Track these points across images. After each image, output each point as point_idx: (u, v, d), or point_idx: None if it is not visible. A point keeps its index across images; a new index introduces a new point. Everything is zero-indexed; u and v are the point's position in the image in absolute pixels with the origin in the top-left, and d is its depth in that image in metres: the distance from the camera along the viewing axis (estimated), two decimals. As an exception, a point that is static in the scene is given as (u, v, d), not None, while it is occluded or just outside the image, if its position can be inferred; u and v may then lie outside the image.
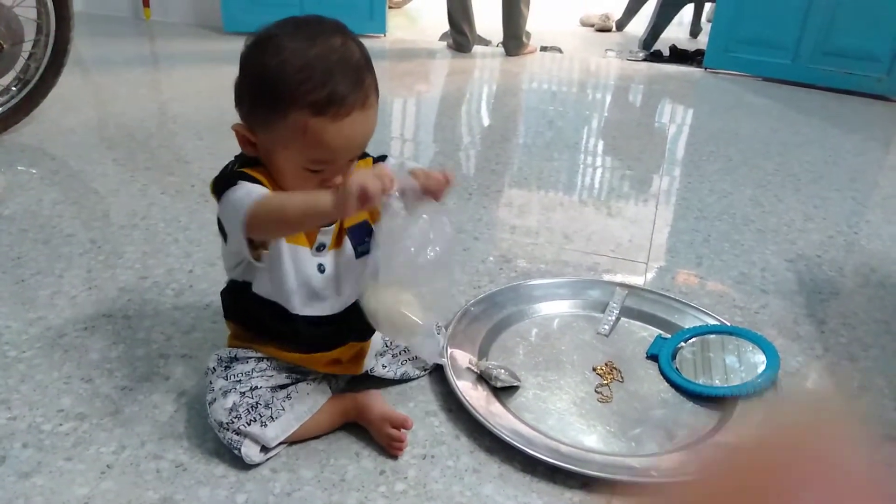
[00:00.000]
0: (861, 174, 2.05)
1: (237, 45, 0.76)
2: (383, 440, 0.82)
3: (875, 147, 2.35)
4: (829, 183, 1.92)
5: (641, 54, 3.80)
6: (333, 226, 0.81)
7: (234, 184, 0.73)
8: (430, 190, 0.75)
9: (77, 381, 0.93)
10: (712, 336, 1.07)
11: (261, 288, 0.80)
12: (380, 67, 0.76)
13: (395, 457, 0.82)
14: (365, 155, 0.86)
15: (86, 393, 0.91)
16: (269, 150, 0.75)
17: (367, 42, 0.75)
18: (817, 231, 1.58)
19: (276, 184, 0.76)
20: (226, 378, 0.81)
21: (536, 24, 3.81)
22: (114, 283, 1.18)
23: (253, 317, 0.83)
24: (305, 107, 0.69)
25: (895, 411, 0.97)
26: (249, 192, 0.72)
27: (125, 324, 1.06)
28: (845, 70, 3.05)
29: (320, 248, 0.82)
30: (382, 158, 0.88)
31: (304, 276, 0.80)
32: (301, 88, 0.69)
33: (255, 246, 0.75)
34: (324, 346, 0.84)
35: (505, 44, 3.53)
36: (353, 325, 0.83)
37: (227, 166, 0.79)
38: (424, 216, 0.73)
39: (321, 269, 0.82)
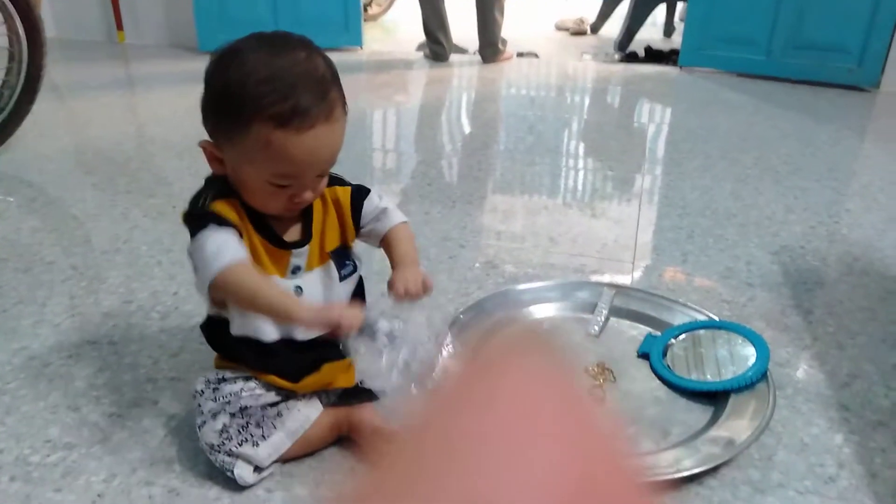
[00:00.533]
0: (838, 164, 2.07)
1: (212, 64, 0.76)
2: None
3: (850, 136, 2.39)
4: (808, 174, 1.94)
5: (617, 56, 3.84)
6: (307, 247, 0.81)
7: (205, 226, 0.72)
8: (409, 295, 0.77)
9: (64, 409, 0.91)
10: (702, 331, 1.07)
11: (237, 329, 0.79)
12: (357, 80, 0.76)
13: None
14: (343, 182, 0.85)
15: (73, 422, 0.89)
16: (235, 167, 0.74)
17: (343, 55, 0.75)
18: (799, 222, 1.60)
19: (246, 213, 0.76)
20: (214, 400, 0.80)
21: (512, 30, 3.83)
22: (97, 308, 1.16)
23: (236, 352, 0.82)
24: (268, 119, 0.69)
25: (885, 398, 0.98)
26: (218, 253, 0.70)
27: (111, 349, 1.05)
28: (817, 62, 3.10)
29: (295, 270, 0.81)
30: (365, 192, 0.86)
31: None
32: (264, 101, 0.69)
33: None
34: (310, 369, 0.82)
35: (481, 51, 3.55)
36: (338, 342, 0.82)
37: (197, 195, 0.78)
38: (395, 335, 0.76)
39: (298, 291, 0.81)
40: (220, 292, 0.72)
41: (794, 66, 3.15)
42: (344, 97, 0.75)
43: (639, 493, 0.20)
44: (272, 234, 0.78)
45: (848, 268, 1.38)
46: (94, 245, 1.41)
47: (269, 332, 0.79)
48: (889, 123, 2.63)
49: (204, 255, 0.71)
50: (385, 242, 0.86)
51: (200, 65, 0.75)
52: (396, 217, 0.87)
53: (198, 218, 0.74)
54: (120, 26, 3.77)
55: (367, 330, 0.85)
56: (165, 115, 2.44)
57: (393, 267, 0.84)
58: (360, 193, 0.85)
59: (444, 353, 0.85)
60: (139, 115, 2.51)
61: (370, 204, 0.85)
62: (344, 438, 0.85)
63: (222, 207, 0.75)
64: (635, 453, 0.22)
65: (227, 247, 0.71)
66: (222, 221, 0.73)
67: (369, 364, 0.74)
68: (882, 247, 1.47)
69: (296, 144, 0.70)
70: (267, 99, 0.68)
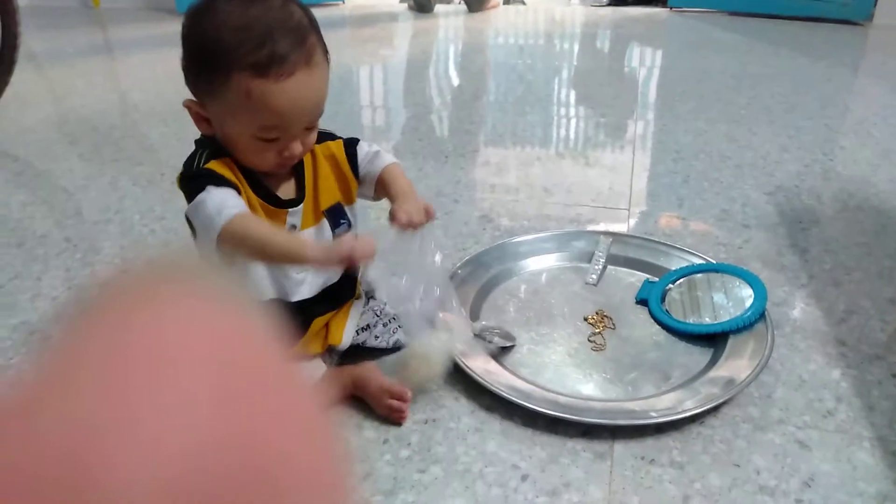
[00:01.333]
0: (832, 101, 2.06)
1: (192, 24, 0.74)
2: (384, 411, 0.83)
3: (843, 73, 2.36)
4: (802, 112, 1.92)
5: (605, 0, 3.76)
6: (302, 206, 0.80)
7: (202, 188, 0.71)
8: (412, 224, 0.78)
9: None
10: (699, 275, 1.07)
11: None
12: (341, 35, 0.74)
13: (399, 424, 0.82)
14: (333, 137, 0.84)
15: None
16: (221, 123, 0.73)
17: (325, 11, 0.73)
18: (793, 161, 1.59)
19: (241, 172, 0.75)
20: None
21: (497, -23, 3.73)
22: (93, 280, 1.16)
23: None
24: (246, 68, 0.67)
25: (881, 332, 0.99)
26: (221, 208, 0.69)
27: (110, 320, 1.05)
28: (809, -3, 3.04)
29: (290, 229, 0.80)
30: (355, 141, 0.86)
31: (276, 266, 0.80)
32: (240, 50, 0.67)
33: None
34: (301, 330, 0.84)
35: (467, 0, 3.46)
36: (332, 297, 0.83)
37: (191, 157, 0.76)
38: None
39: None
40: (229, 245, 0.70)
41: (785, 2, 3.10)
42: (324, 43, 0.73)
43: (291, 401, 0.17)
44: (268, 192, 0.78)
45: (843, 205, 1.38)
46: (85, 216, 1.39)
47: (264, 292, 0.79)
48: (882, 57, 2.60)
49: (207, 211, 0.70)
50: (380, 182, 0.85)
51: (179, 27, 0.73)
52: (388, 158, 0.87)
53: (194, 179, 0.73)
54: (94, -10, 3.66)
55: (365, 286, 0.86)
56: (147, 80, 2.39)
57: (392, 201, 0.83)
58: (351, 143, 0.85)
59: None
60: (120, 82, 2.46)
61: (362, 150, 0.85)
62: (350, 397, 0.86)
63: (218, 166, 0.74)
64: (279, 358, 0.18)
65: (227, 202, 0.70)
66: (220, 180, 0.72)
67: (391, 290, 0.76)
68: (876, 181, 1.47)
69: (276, 93, 0.68)
70: (243, 48, 0.67)
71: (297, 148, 0.74)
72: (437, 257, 0.84)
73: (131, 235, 1.30)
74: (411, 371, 0.85)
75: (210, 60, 0.69)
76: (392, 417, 0.82)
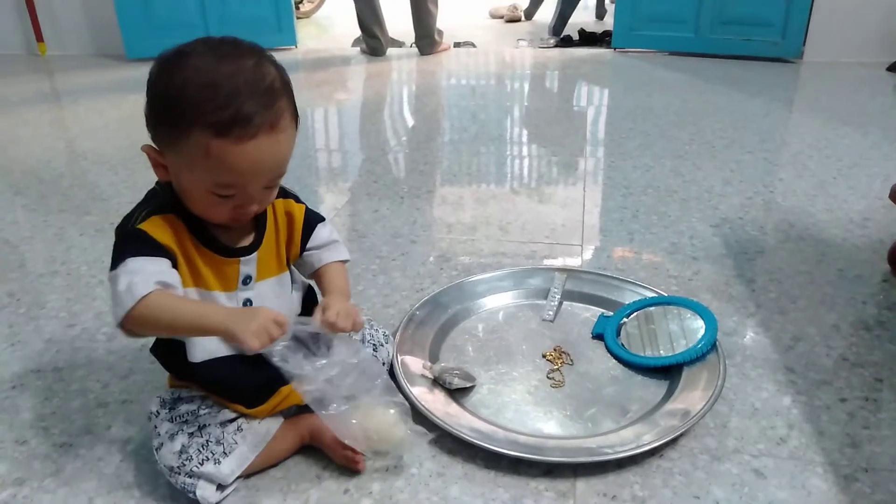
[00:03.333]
0: (769, 135, 2.15)
1: (142, 72, 0.73)
2: (340, 461, 0.81)
3: (779, 107, 2.48)
4: (742, 146, 2.01)
5: (552, 41, 3.88)
6: (256, 254, 0.79)
7: (122, 258, 0.69)
8: (335, 328, 0.76)
9: (10, 444, 0.88)
10: (652, 308, 1.10)
11: (196, 355, 0.77)
12: (295, 79, 0.74)
13: (358, 471, 0.80)
14: (298, 199, 0.84)
15: (22, 456, 0.86)
16: (177, 174, 0.72)
17: (278, 55, 0.73)
18: (736, 194, 1.65)
19: (187, 224, 0.74)
20: (171, 420, 0.78)
21: (447, 20, 3.83)
22: (39, 335, 1.12)
23: (190, 374, 0.79)
24: (207, 127, 0.66)
25: (827, 357, 1.02)
26: (131, 288, 0.66)
27: (56, 377, 1.01)
28: (743, 37, 3.20)
29: (246, 280, 0.79)
30: (320, 218, 0.86)
31: None
32: (203, 107, 0.66)
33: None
34: (268, 391, 0.80)
35: (418, 44, 3.53)
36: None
37: (131, 212, 0.75)
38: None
39: (247, 304, 0.79)
40: (136, 327, 0.68)
41: (721, 41, 3.25)
42: (295, 107, 0.73)
43: None
44: (216, 242, 0.76)
45: (785, 235, 1.43)
46: (29, 269, 1.35)
47: (221, 349, 0.77)
48: (813, 92, 2.75)
49: (114, 293, 0.68)
50: (321, 272, 0.85)
51: (129, 73, 0.73)
52: (343, 254, 0.88)
53: (121, 241, 0.72)
54: (40, 38, 3.61)
55: (324, 337, 0.83)
56: (96, 127, 2.35)
57: (322, 294, 0.84)
58: (315, 219, 0.85)
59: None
60: (68, 130, 2.41)
61: (322, 233, 0.85)
62: (307, 447, 0.84)
63: (153, 226, 0.72)
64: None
65: (137, 281, 0.67)
66: (146, 246, 0.70)
67: (300, 371, 0.74)
68: (814, 212, 1.54)
69: (236, 154, 0.67)
70: (206, 105, 0.66)
71: (252, 207, 0.73)
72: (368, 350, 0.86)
73: (78, 288, 1.26)
74: (356, 443, 0.80)
75: (172, 113, 0.68)
76: (350, 467, 0.81)
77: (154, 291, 0.67)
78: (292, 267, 0.86)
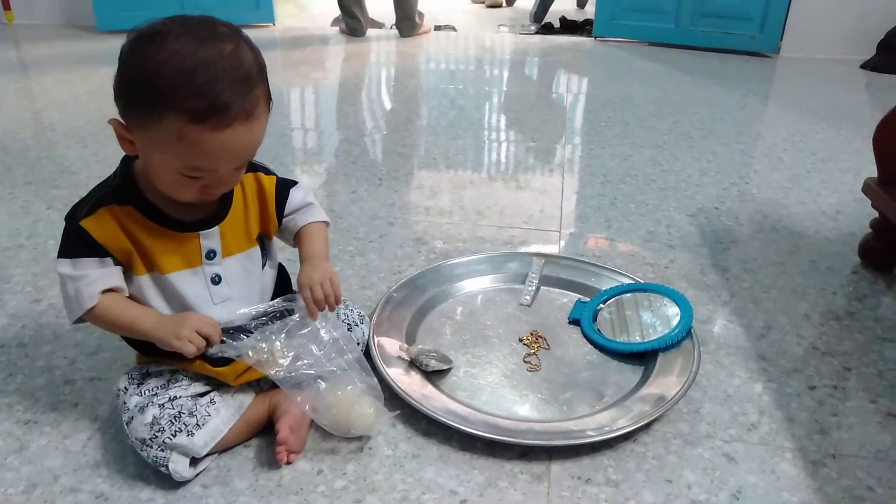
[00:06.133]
0: (745, 127, 2.17)
1: (114, 44, 0.71)
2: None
3: (755, 101, 2.50)
4: (718, 138, 2.02)
5: (533, 27, 3.87)
6: (217, 228, 0.77)
7: (65, 253, 0.73)
8: (317, 300, 0.79)
9: (-28, 421, 0.85)
10: (628, 295, 1.10)
11: None
12: (272, 57, 0.72)
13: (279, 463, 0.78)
14: (267, 171, 0.83)
15: (-16, 433, 0.83)
16: (145, 152, 0.70)
17: (255, 32, 0.71)
18: (713, 184, 1.67)
19: (138, 206, 0.74)
20: (140, 394, 0.76)
21: (428, 3, 3.79)
22: (3, 310, 1.08)
23: (155, 347, 0.78)
24: (182, 113, 0.64)
25: (798, 346, 1.04)
26: (77, 297, 0.72)
27: (21, 352, 0.98)
28: (722, 30, 3.23)
29: (210, 255, 0.77)
30: (291, 183, 0.85)
31: (191, 303, 0.77)
32: (180, 93, 0.64)
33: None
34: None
35: (398, 25, 3.49)
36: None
37: (80, 202, 0.75)
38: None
39: (216, 280, 0.78)
40: (91, 321, 0.75)
41: (700, 34, 3.27)
42: (269, 93, 0.71)
43: None
44: (169, 219, 0.75)
45: (759, 226, 1.45)
46: (-7, 242, 1.31)
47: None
48: (789, 87, 2.78)
49: (64, 294, 0.74)
50: (299, 236, 0.85)
51: (100, 45, 0.71)
52: (320, 215, 0.87)
53: (65, 237, 0.74)
54: (7, 6, 3.49)
55: (300, 315, 0.83)
56: (65, 99, 2.28)
57: (302, 261, 0.83)
58: (286, 184, 0.84)
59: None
60: (35, 101, 2.34)
61: (296, 197, 0.84)
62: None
63: (97, 223, 0.72)
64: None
65: (83, 289, 0.72)
66: (88, 247, 0.72)
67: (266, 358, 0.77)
68: (788, 204, 1.56)
69: (210, 141, 0.66)
70: (183, 92, 0.64)
71: (221, 187, 0.73)
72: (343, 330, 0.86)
73: (45, 262, 1.22)
74: (325, 424, 0.81)
75: (145, 95, 0.65)
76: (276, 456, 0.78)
77: (98, 303, 0.73)
78: (267, 243, 0.84)
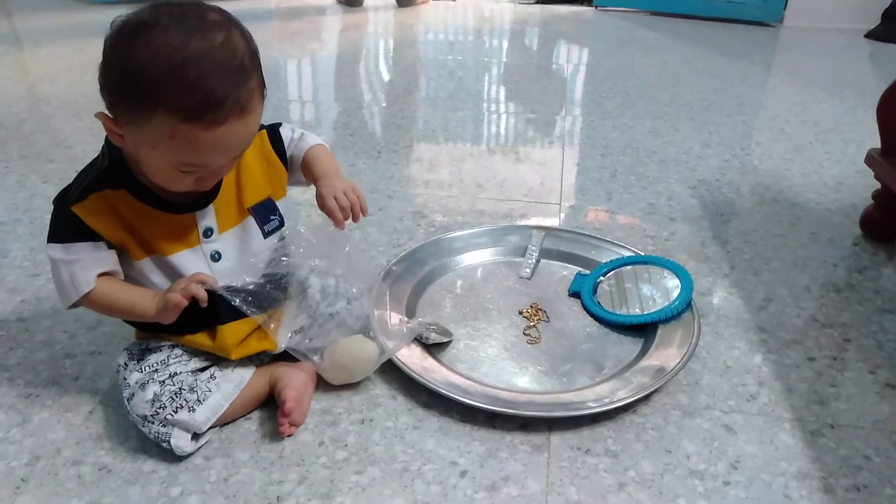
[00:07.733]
0: (748, 98, 2.15)
1: (108, 16, 0.68)
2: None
3: (758, 71, 2.47)
4: (720, 109, 2.00)
5: (533, -3, 3.81)
6: (212, 206, 0.77)
7: (56, 238, 0.72)
8: (342, 206, 0.80)
9: (-26, 395, 0.85)
10: (628, 267, 1.10)
11: None
12: (269, 29, 0.71)
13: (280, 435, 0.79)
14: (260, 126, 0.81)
15: (-14, 406, 0.83)
16: (136, 147, 0.68)
17: (252, 3, 0.70)
18: (714, 156, 1.65)
19: (131, 190, 0.72)
20: (140, 370, 0.77)
21: (426, -28, 3.72)
22: (2, 285, 1.08)
23: (152, 323, 0.77)
24: (174, 110, 0.62)
25: (797, 318, 1.04)
26: (72, 282, 0.72)
27: (21, 327, 0.98)
28: (725, -1, 3.18)
29: (208, 233, 0.77)
30: (277, 125, 0.84)
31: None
32: (171, 90, 0.61)
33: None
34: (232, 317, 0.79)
35: (396, -5, 3.44)
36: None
37: (69, 186, 0.73)
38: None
39: (216, 257, 0.78)
40: (87, 307, 0.75)
41: (703, 3, 3.22)
42: (263, 82, 0.69)
43: None
44: (165, 202, 0.74)
45: (760, 197, 1.44)
46: (-10, 217, 1.30)
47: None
48: (792, 57, 2.75)
49: (58, 279, 0.73)
50: (305, 164, 0.84)
51: (95, 16, 0.69)
52: (313, 139, 0.86)
53: (55, 220, 0.72)
54: (-3, -25, 3.43)
55: (297, 287, 0.84)
56: (59, 72, 2.25)
57: (315, 182, 0.82)
58: (273, 129, 0.83)
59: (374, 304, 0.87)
60: (29, 74, 2.31)
61: (286, 135, 0.84)
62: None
63: (88, 210, 0.70)
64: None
65: (78, 273, 0.71)
66: (80, 232, 0.71)
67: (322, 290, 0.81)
68: (790, 175, 1.55)
69: (205, 139, 0.64)
70: (175, 89, 0.61)
71: (215, 178, 0.73)
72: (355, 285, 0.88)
73: (42, 237, 1.21)
74: (330, 375, 0.85)
75: (134, 92, 0.63)
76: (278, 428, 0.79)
77: (95, 287, 0.72)
78: (270, 215, 0.83)
